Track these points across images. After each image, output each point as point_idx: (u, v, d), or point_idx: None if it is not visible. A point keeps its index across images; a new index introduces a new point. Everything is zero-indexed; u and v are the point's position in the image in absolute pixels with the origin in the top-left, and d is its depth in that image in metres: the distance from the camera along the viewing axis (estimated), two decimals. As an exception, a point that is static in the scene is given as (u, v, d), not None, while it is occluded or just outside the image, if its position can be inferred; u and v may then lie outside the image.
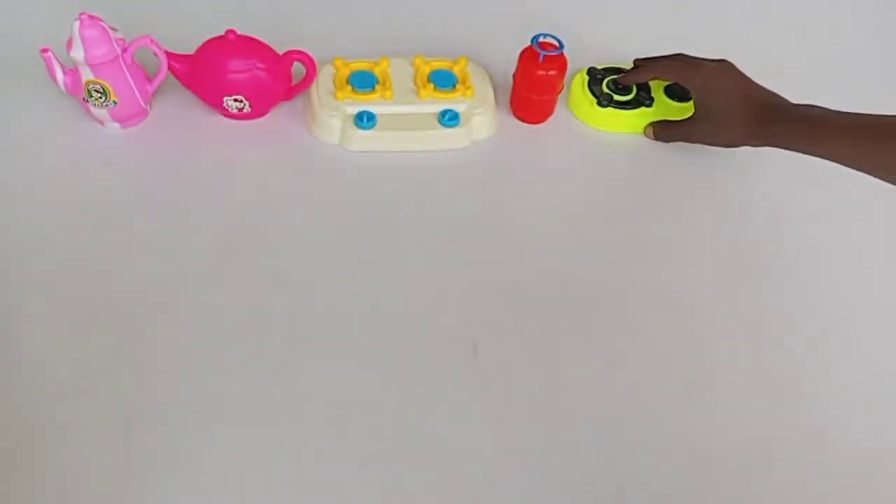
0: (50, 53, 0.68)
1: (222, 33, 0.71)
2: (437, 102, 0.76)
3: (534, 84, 0.76)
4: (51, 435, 0.55)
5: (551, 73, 0.75)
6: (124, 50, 0.68)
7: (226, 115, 0.75)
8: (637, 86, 0.81)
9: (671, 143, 0.79)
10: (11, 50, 0.79)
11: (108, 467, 0.54)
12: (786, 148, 0.68)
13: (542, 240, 0.71)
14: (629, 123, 0.80)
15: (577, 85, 0.81)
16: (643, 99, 0.79)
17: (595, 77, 0.81)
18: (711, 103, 0.72)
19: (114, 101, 0.70)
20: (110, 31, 0.67)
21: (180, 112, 0.76)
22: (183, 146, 0.74)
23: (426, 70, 0.78)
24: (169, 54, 0.71)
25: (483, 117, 0.76)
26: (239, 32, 0.71)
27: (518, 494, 0.55)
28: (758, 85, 0.71)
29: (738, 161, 0.79)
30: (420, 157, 0.75)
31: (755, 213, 0.74)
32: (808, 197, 0.76)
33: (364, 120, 0.73)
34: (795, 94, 0.92)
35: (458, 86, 0.77)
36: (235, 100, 0.72)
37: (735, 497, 0.57)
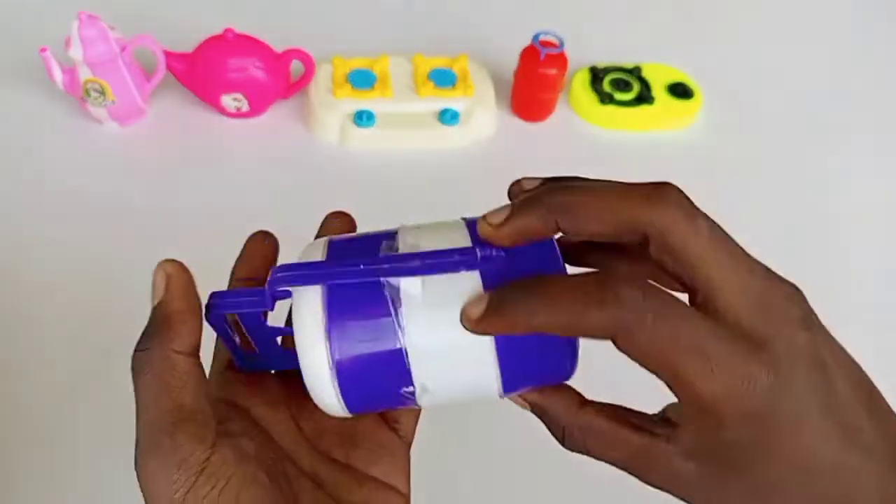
0: (48, 53, 0.68)
1: (221, 32, 0.71)
2: (436, 101, 0.75)
3: (535, 82, 0.75)
4: (51, 435, 0.54)
5: (552, 71, 0.74)
6: (123, 49, 0.68)
7: (224, 114, 0.75)
8: (639, 83, 0.80)
9: (679, 138, 0.79)
10: (10, 49, 0.79)
11: (108, 467, 0.53)
12: None
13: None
14: (631, 121, 0.79)
15: (579, 83, 0.81)
16: (645, 96, 0.79)
17: (597, 75, 0.81)
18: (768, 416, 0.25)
19: (112, 101, 0.69)
20: (109, 31, 0.67)
21: (179, 111, 0.76)
22: (181, 145, 0.74)
23: (426, 68, 0.78)
24: (167, 53, 0.71)
25: (483, 116, 0.76)
26: (237, 31, 0.71)
27: (518, 494, 0.55)
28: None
29: (741, 158, 0.78)
30: (420, 155, 0.75)
31: (756, 212, 0.74)
32: (812, 199, 0.76)
33: (363, 118, 0.73)
34: (799, 93, 0.91)
35: (458, 84, 0.76)
36: (234, 98, 0.72)
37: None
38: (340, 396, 0.27)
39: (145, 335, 0.27)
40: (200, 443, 0.25)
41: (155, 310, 0.27)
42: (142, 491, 0.25)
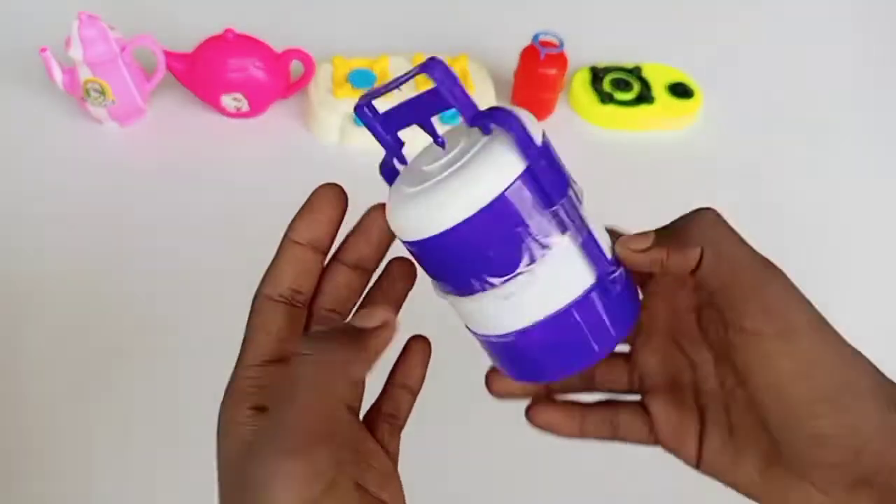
0: (48, 53, 0.68)
1: (221, 32, 0.71)
2: (436, 101, 0.75)
3: (535, 82, 0.75)
4: (51, 435, 0.54)
5: (552, 71, 0.74)
6: (123, 49, 0.68)
7: (224, 114, 0.75)
8: (639, 83, 0.80)
9: (679, 138, 0.79)
10: (10, 49, 0.79)
11: (108, 467, 0.53)
12: None
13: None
14: (631, 121, 0.79)
15: (580, 82, 0.81)
16: (645, 96, 0.79)
17: (597, 75, 0.81)
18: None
19: (112, 100, 0.69)
20: (109, 31, 0.67)
21: (178, 111, 0.76)
22: (181, 145, 0.74)
23: (426, 68, 0.77)
24: (167, 53, 0.71)
25: (483, 115, 0.76)
26: (237, 31, 0.71)
27: (517, 494, 0.55)
28: None
29: (741, 158, 0.78)
30: (420, 155, 0.75)
31: (756, 212, 0.74)
32: (812, 199, 0.76)
33: (363, 118, 0.73)
34: (799, 93, 0.91)
35: (458, 84, 0.76)
36: (234, 98, 0.72)
37: (734, 498, 0.56)
38: (478, 211, 0.27)
39: (336, 342, 0.26)
40: (337, 464, 0.25)
41: (359, 329, 0.27)
42: (250, 483, 0.25)
